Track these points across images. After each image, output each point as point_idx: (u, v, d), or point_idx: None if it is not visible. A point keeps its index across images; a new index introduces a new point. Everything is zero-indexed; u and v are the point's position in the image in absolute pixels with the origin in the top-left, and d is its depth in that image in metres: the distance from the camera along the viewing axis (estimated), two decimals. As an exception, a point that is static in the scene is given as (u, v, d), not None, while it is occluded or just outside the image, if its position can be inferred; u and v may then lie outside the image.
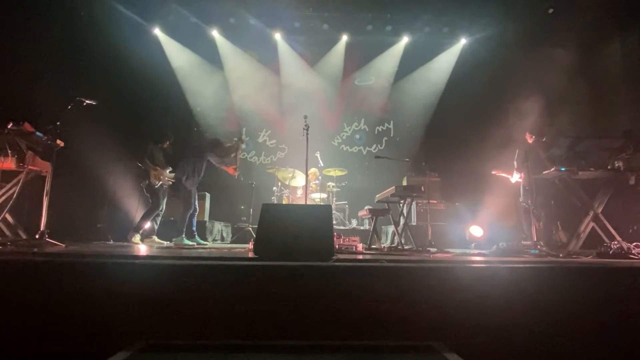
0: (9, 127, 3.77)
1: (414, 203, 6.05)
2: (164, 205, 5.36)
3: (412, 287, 1.96)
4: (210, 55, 8.26)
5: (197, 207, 5.27)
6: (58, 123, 3.99)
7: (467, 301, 1.94)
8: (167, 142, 5.47)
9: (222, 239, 6.80)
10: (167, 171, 5.26)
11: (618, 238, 3.76)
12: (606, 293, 2.04)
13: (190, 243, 4.86)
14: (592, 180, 4.12)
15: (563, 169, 3.96)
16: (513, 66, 6.71)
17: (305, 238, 2.42)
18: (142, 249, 3.68)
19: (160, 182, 5.15)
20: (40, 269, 2.00)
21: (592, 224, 3.99)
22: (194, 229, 5.15)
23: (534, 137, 5.01)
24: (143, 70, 7.23)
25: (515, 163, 5.21)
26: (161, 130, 5.56)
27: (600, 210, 3.98)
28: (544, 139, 4.87)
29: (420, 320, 1.88)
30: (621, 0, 5.99)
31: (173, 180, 5.33)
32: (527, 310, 1.95)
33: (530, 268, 2.17)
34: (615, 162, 3.91)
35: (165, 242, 5.30)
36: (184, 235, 4.88)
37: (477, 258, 3.14)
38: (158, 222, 5.36)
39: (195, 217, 5.21)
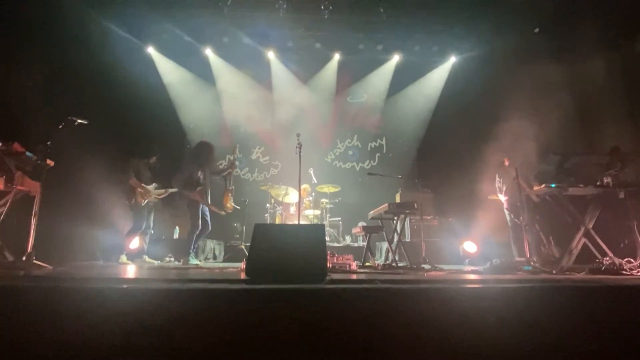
0: (-2, 147, 3.73)
1: (407, 219, 6.06)
2: (151, 223, 5.26)
3: (407, 309, 1.93)
4: (204, 73, 8.34)
5: (209, 226, 5.06)
6: (49, 143, 3.94)
7: (464, 322, 1.92)
8: (153, 158, 5.34)
9: (215, 257, 6.71)
10: (153, 187, 5.16)
11: (610, 254, 3.78)
12: (601, 312, 2.03)
13: (196, 262, 4.78)
14: (581, 196, 4.17)
15: (553, 185, 4.00)
16: (503, 83, 6.85)
17: (298, 259, 2.39)
18: (131, 271, 3.61)
19: (146, 200, 5.06)
20: (23, 294, 1.94)
21: (583, 240, 4.02)
22: (196, 246, 5.03)
23: (509, 161, 5.16)
24: (136, 89, 7.24)
25: (497, 187, 5.35)
26: (146, 145, 5.43)
27: (591, 225, 4.01)
28: (518, 164, 4.96)
29: (415, 344, 1.85)
30: (606, 19, 6.19)
31: (159, 197, 5.24)
32: (525, 331, 1.93)
33: (526, 288, 2.16)
34: (604, 178, 3.97)
35: (156, 262, 5.21)
36: (191, 255, 4.79)
37: (471, 276, 3.12)
38: (147, 241, 5.27)
39: (200, 236, 4.98)
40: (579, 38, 6.46)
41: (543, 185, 4.07)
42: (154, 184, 5.19)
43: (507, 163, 5.19)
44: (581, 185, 3.99)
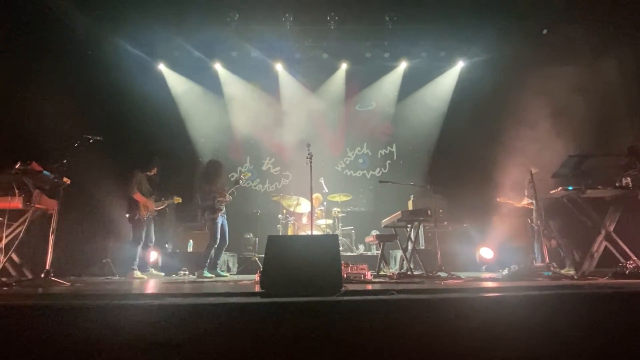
0: (16, 167, 3.81)
1: (421, 226, 5.97)
2: (152, 236, 5.30)
3: (425, 320, 1.89)
4: (214, 87, 8.47)
5: (227, 240, 5.15)
6: (65, 161, 4.03)
7: (485, 333, 1.87)
8: (154, 170, 5.38)
9: (228, 269, 6.71)
10: (153, 200, 5.21)
11: (634, 257, 3.65)
12: (628, 319, 1.96)
13: (209, 275, 4.81)
14: (600, 198, 4.06)
15: (571, 187, 3.90)
16: (513, 87, 6.78)
17: (313, 271, 2.37)
18: (146, 286, 3.63)
19: (148, 214, 5.10)
20: (41, 313, 1.96)
21: (604, 243, 3.89)
22: (218, 261, 5.08)
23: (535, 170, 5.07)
24: (148, 105, 7.40)
25: (526, 195, 5.25)
26: (148, 157, 5.45)
27: (612, 228, 3.89)
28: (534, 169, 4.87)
29: (435, 356, 1.81)
30: (615, 18, 6.10)
31: (158, 209, 5.29)
32: (548, 341, 1.87)
33: (548, 295, 2.10)
34: (624, 179, 3.85)
35: (162, 274, 5.28)
36: (205, 269, 4.82)
37: (490, 284, 3.05)
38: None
39: (220, 250, 5.08)
40: (589, 38, 6.37)
41: (560, 188, 3.97)
42: (153, 196, 5.24)
43: (534, 171, 5.10)
44: (600, 187, 3.88)
